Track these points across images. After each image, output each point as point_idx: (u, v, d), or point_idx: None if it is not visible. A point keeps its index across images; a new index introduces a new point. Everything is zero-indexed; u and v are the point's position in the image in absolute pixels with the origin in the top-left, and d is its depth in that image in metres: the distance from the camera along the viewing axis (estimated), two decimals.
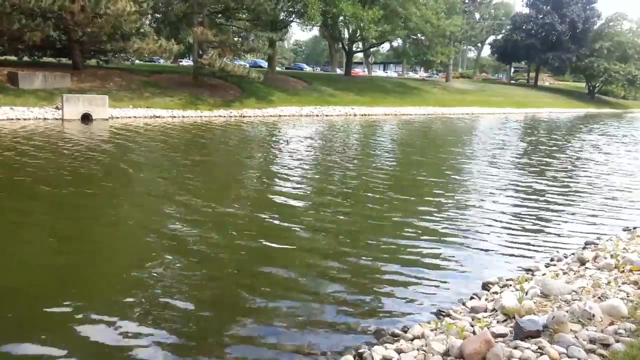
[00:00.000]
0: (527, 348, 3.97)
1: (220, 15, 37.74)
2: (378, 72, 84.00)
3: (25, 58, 31.34)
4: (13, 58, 31.60)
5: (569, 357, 3.85)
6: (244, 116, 30.84)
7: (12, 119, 22.35)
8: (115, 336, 4.99)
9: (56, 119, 23.30)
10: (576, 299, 5.14)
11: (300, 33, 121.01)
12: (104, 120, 23.92)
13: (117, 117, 25.42)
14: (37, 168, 12.73)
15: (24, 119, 22.64)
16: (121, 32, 29.71)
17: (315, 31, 57.31)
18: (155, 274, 6.50)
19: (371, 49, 61.12)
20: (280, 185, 12.25)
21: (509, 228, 9.27)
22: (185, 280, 6.39)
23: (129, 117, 26.03)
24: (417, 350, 4.51)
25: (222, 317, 5.53)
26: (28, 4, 24.82)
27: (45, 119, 23.21)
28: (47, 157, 14.19)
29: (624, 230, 9.20)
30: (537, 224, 9.60)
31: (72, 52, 30.74)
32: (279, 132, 25.26)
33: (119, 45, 30.31)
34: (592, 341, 4.03)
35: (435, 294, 6.26)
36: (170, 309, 5.60)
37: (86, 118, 23.65)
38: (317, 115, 34.39)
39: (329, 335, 5.17)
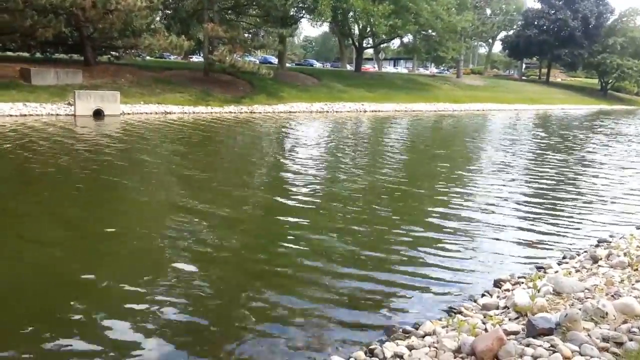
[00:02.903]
0: (540, 346, 3.95)
1: (230, 11, 37.82)
2: (388, 68, 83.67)
3: (38, 54, 31.58)
4: (25, 54, 31.86)
5: (581, 355, 3.82)
6: (254, 112, 30.88)
7: (25, 115, 22.56)
8: (122, 331, 5.05)
9: (68, 115, 23.49)
10: (589, 297, 5.11)
11: (310, 29, 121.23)
12: (115, 116, 24.08)
13: (129, 113, 25.57)
14: (51, 163, 12.86)
15: (37, 115, 22.85)
16: (132, 28, 29.89)
17: (325, 27, 57.11)
18: (164, 266, 6.56)
19: (381, 45, 60.87)
20: (289, 183, 12.27)
21: (521, 225, 9.23)
22: (196, 273, 6.43)
23: (140, 113, 26.18)
24: (429, 347, 4.51)
25: (233, 312, 5.55)
26: (40, 1, 25.00)
27: (57, 115, 23.40)
28: (61, 152, 14.31)
29: (638, 228, 9.12)
30: (550, 221, 9.55)
31: (84, 49, 30.94)
32: (288, 130, 25.25)
33: (130, 41, 30.46)
34: (605, 339, 4.00)
35: (446, 291, 6.25)
36: (182, 303, 5.64)
37: (98, 114, 23.83)
38: (328, 112, 34.37)
39: (340, 331, 5.18)
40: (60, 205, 9.47)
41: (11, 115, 22.16)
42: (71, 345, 4.77)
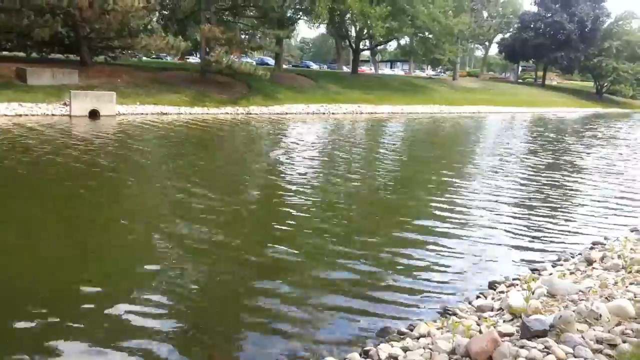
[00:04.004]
0: (534, 347, 3.97)
1: (227, 12, 37.75)
2: (385, 70, 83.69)
3: (34, 54, 31.47)
4: (21, 54, 31.74)
5: (575, 357, 3.84)
6: (250, 114, 30.85)
7: (20, 115, 22.46)
8: (118, 333, 5.04)
9: (64, 115, 23.40)
10: (583, 299, 5.13)
11: (307, 30, 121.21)
12: (111, 117, 24.00)
13: (125, 114, 25.50)
14: (43, 163, 12.83)
15: (32, 115, 22.75)
16: (129, 29, 29.80)
17: (323, 29, 57.10)
18: (164, 267, 6.56)
19: (378, 47, 60.97)
20: (283, 186, 12.25)
21: (516, 227, 9.25)
22: (191, 277, 6.42)
23: (137, 114, 26.09)
24: (423, 348, 4.52)
25: (228, 314, 5.56)
26: (37, 0, 24.93)
27: (53, 115, 23.31)
28: (54, 153, 14.27)
29: (632, 231, 9.16)
30: (544, 223, 9.58)
31: (80, 49, 30.84)
32: (283, 132, 25.27)
33: (126, 41, 30.38)
34: (599, 341, 4.02)
35: (441, 292, 6.26)
36: (177, 305, 5.65)
37: (94, 114, 23.74)
38: (324, 113, 34.36)
39: (335, 332, 5.19)
40: (53, 206, 9.46)
41: (6, 115, 22.07)
42: (69, 346, 4.76)
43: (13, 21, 25.44)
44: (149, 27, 32.23)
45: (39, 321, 5.14)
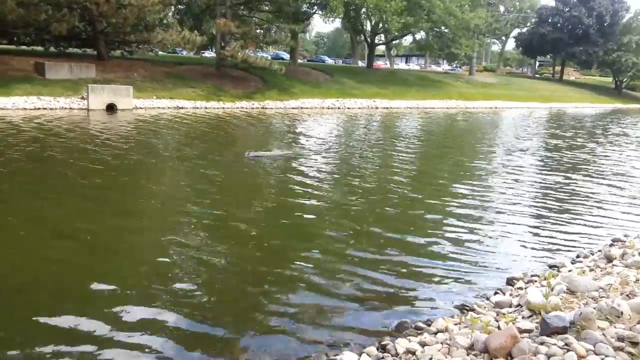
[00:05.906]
0: (554, 344, 3.92)
1: (242, 7, 37.80)
2: (400, 64, 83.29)
3: (51, 49, 31.80)
4: (40, 48, 32.10)
5: (596, 354, 3.79)
6: (265, 108, 30.91)
7: (39, 109, 22.77)
8: (135, 329, 5.09)
9: (81, 108, 23.65)
10: (603, 296, 5.06)
11: (322, 25, 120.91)
12: (128, 111, 24.20)
13: (141, 108, 25.71)
14: (63, 156, 12.97)
15: (51, 109, 23.05)
16: (145, 23, 30.03)
17: (338, 23, 56.94)
18: (176, 262, 6.60)
19: (393, 42, 60.64)
20: (299, 182, 12.24)
21: (534, 224, 9.17)
22: (209, 272, 6.46)
23: (153, 108, 26.29)
24: (441, 343, 4.49)
25: (244, 308, 5.57)
26: None
27: (71, 108, 23.59)
28: (73, 146, 14.43)
29: None
30: (563, 219, 9.48)
31: (97, 43, 31.11)
32: (298, 128, 25.27)
33: (142, 36, 30.62)
34: (620, 339, 3.96)
35: (459, 288, 6.22)
36: (195, 300, 5.69)
37: (111, 108, 23.96)
38: (339, 108, 34.30)
39: (352, 327, 5.18)
40: (70, 200, 9.55)
41: (25, 109, 22.39)
42: (80, 344, 4.80)
43: (31, 15, 25.71)
44: (165, 21, 32.38)
45: (49, 314, 5.21)
